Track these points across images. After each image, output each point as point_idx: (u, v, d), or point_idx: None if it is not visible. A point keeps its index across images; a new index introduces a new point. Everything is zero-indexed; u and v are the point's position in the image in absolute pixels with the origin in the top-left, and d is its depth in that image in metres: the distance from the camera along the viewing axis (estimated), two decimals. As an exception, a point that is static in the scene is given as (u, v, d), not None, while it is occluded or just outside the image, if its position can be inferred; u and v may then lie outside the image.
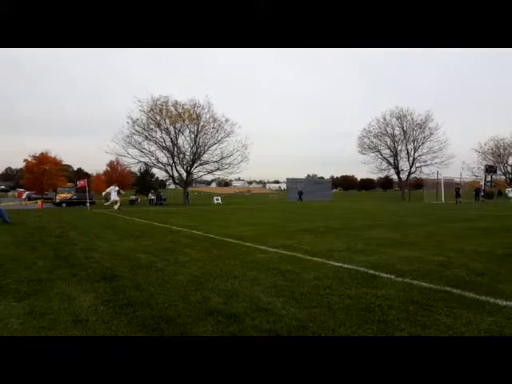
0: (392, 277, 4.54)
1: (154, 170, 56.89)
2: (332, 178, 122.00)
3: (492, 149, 64.03)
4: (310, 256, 6.00)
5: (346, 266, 5.22)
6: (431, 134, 51.85)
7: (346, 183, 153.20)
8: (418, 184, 64.49)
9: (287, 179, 43.81)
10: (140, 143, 39.51)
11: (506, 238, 8.19)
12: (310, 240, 7.87)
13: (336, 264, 5.35)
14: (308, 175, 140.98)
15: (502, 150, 63.92)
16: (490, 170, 52.68)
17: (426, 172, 51.10)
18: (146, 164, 45.16)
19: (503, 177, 65.36)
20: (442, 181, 38.84)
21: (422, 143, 52.83)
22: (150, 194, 40.84)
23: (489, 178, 54.47)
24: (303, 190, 39.99)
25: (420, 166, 53.39)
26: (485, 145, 64.04)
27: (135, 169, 52.32)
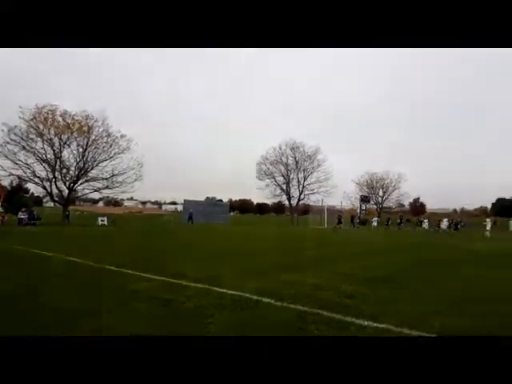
0: (272, 301, 4.67)
1: (30, 185, 49.90)
2: (230, 200, 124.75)
3: (367, 181, 73.82)
4: (194, 283, 5.83)
5: (230, 292, 5.21)
6: (319, 165, 57.41)
7: (243, 206, 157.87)
8: (306, 210, 69.99)
9: (184, 201, 43.13)
10: (15, 154, 34.44)
11: (370, 260, 9.30)
12: (196, 266, 7.70)
13: (220, 290, 5.30)
14: (207, 197, 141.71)
15: (374, 182, 74.13)
16: (364, 199, 60.39)
17: (313, 199, 56.16)
18: (19, 178, 39.38)
19: (375, 206, 75.49)
20: (326, 208, 42.92)
21: (311, 173, 58.04)
22: (21, 213, 35.41)
23: (364, 207, 62.13)
24: (203, 211, 39.81)
25: (308, 194, 58.32)
26: (361, 177, 73.51)
27: (5, 183, 45.08)
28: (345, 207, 55.11)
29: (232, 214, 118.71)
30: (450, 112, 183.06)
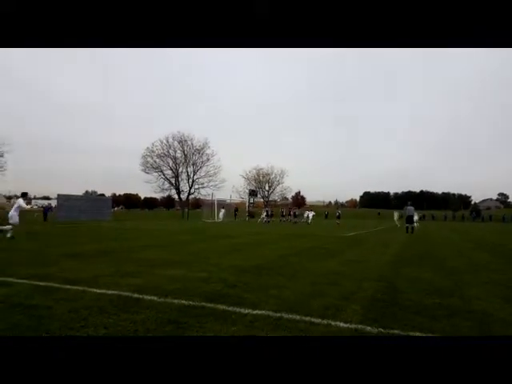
0: (155, 298, 4.51)
1: None
2: (114, 195, 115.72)
3: (254, 176, 77.24)
4: (69, 285, 5.25)
5: (109, 292, 4.84)
6: (208, 159, 57.59)
7: (129, 201, 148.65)
8: (198, 204, 69.76)
9: (58, 195, 38.36)
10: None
11: (258, 251, 9.78)
12: (74, 266, 6.95)
13: (98, 291, 4.88)
14: (87, 191, 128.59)
15: (261, 177, 78.02)
16: (252, 193, 63.05)
17: (204, 193, 56.24)
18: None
19: (262, 199, 79.63)
20: (216, 202, 43.43)
21: (201, 167, 57.88)
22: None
23: (251, 200, 64.86)
24: (81, 206, 35.93)
25: (198, 188, 58.10)
26: (249, 172, 76.56)
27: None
28: (235, 201, 56.74)
29: (116, 208, 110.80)
30: (321, 110, 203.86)
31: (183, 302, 4.36)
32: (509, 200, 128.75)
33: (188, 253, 9.26)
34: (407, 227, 20.78)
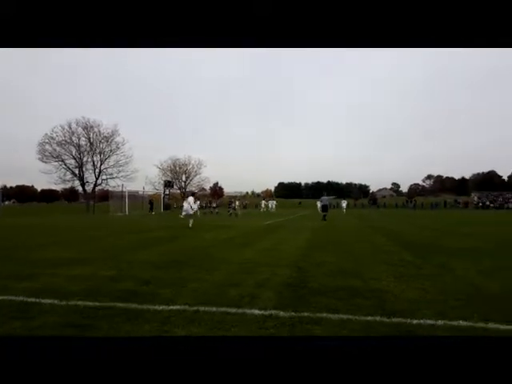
0: (56, 301, 4.07)
1: None
2: (4, 187, 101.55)
3: (170, 166, 74.88)
4: None
5: (-2, 298, 4.23)
6: (118, 147, 53.84)
7: (22, 194, 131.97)
8: (105, 196, 65.15)
9: None
10: None
11: (173, 245, 9.52)
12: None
13: (-17, 299, 4.23)
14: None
15: (177, 168, 76.00)
16: (168, 184, 61.10)
17: (113, 184, 52.49)
18: None
19: (178, 191, 77.72)
20: (127, 193, 41.02)
21: (109, 156, 53.89)
22: None
23: (167, 192, 62.86)
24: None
25: (106, 179, 54.11)
26: (165, 162, 73.94)
27: None
28: (148, 192, 54.23)
29: (7, 202, 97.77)
30: (250, 101, 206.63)
31: (89, 303, 4.02)
32: (400, 189, 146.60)
33: (95, 250, 8.59)
34: (323, 215, 22.44)
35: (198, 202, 18.21)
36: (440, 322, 3.40)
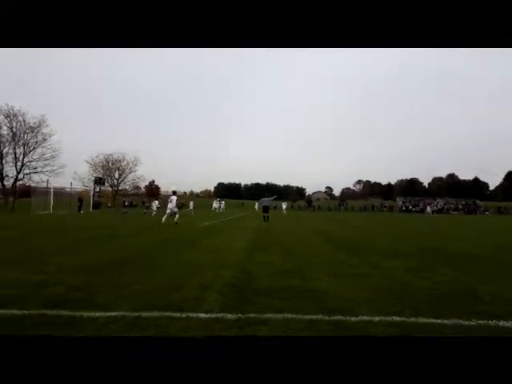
0: (-28, 312, 3.60)
1: None
2: None
3: (102, 162, 70.46)
4: None
5: None
6: (44, 139, 49.33)
7: None
8: (28, 192, 59.42)
9: None
10: None
11: (109, 246, 8.97)
12: None
13: None
14: None
15: (110, 164, 71.78)
16: (98, 181, 57.52)
17: (37, 180, 47.93)
18: None
19: (110, 188, 73.48)
20: (52, 190, 37.82)
21: (34, 148, 49.16)
22: None
23: (98, 189, 59.18)
24: None
25: (30, 173, 49.25)
26: (96, 157, 69.39)
27: None
28: (76, 189, 50.48)
29: None
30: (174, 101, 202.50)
31: (14, 311, 3.61)
32: (333, 192, 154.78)
33: (16, 252, 7.77)
34: (264, 216, 22.78)
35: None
36: (376, 319, 3.63)
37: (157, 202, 33.25)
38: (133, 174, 74.65)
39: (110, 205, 55.11)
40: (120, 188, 74.78)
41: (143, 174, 79.09)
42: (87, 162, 67.92)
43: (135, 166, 74.06)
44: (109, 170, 70.81)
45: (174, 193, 19.83)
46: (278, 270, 6.17)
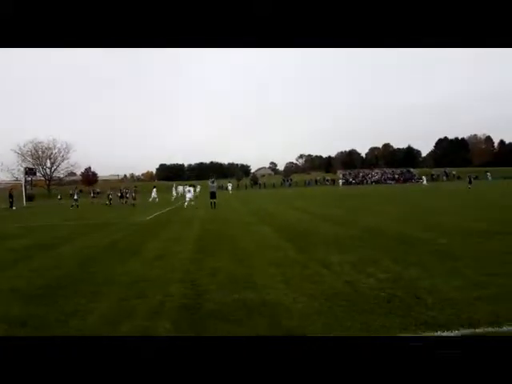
0: None
1: None
2: None
3: (31, 151, 64.53)
4: None
5: None
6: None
7: None
8: None
9: None
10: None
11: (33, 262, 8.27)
12: None
13: None
14: None
15: (40, 152, 65.97)
16: (29, 172, 52.74)
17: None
18: None
19: (43, 178, 67.84)
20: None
21: None
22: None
23: (29, 180, 54.41)
24: None
25: None
26: (24, 147, 63.34)
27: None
28: (5, 181, 45.84)
29: None
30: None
31: None
32: (277, 167, 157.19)
33: None
34: (211, 202, 22.50)
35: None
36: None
37: (155, 189, 31.89)
38: (66, 161, 69.59)
39: (59, 197, 50.95)
40: (54, 177, 69.40)
41: (77, 161, 73.93)
42: (15, 152, 61.86)
43: (67, 153, 69.04)
44: (39, 159, 65.22)
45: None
46: (228, 279, 6.05)
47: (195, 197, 27.60)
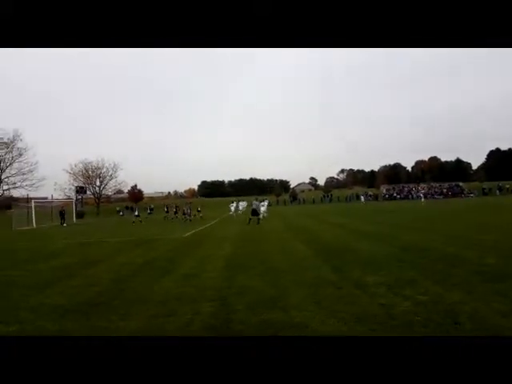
0: None
1: None
2: None
3: (82, 171, 69.05)
4: None
5: None
6: (20, 154, 48.13)
7: None
8: (8, 205, 57.94)
9: None
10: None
11: (84, 278, 8.73)
12: None
13: None
14: None
15: (90, 172, 70.39)
16: (80, 190, 56.44)
17: (17, 195, 46.79)
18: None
19: (93, 196, 72.09)
20: (33, 205, 36.85)
21: (11, 164, 47.89)
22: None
23: (80, 198, 58.03)
24: None
25: (8, 189, 48.06)
26: (75, 166, 67.95)
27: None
28: (57, 200, 49.33)
29: None
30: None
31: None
32: (318, 183, 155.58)
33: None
34: (255, 219, 23.79)
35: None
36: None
37: (234, 203, 35.22)
38: (114, 180, 73.49)
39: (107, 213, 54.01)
40: (102, 195, 73.43)
41: (124, 179, 77.87)
42: (67, 172, 66.53)
43: (115, 171, 72.93)
44: (89, 178, 69.53)
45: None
46: (257, 298, 5.99)
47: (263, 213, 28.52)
